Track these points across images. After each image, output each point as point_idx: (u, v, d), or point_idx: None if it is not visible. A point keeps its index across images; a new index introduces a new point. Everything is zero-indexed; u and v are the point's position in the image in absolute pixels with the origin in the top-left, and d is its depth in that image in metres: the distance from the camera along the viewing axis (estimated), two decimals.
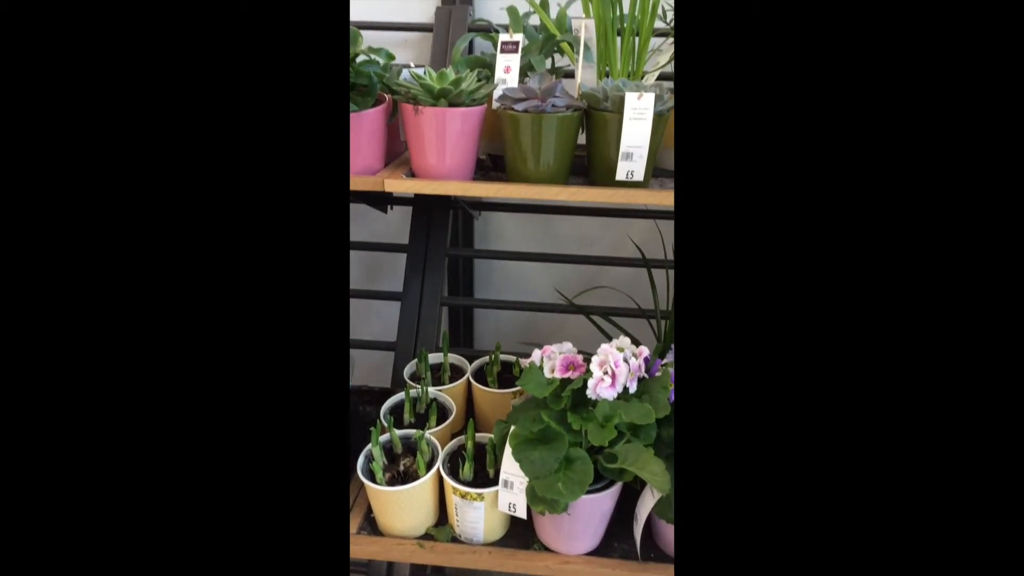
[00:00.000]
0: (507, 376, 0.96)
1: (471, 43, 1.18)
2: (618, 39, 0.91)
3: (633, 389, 0.71)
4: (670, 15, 1.02)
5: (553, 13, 0.98)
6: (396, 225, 1.33)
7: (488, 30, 1.14)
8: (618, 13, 0.90)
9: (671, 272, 1.03)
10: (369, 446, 0.78)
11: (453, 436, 0.87)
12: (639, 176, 0.84)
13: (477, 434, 0.81)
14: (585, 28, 0.90)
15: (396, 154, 1.00)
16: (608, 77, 0.91)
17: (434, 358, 1.00)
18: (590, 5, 0.91)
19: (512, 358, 0.98)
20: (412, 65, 0.92)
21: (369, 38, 1.27)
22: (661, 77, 1.06)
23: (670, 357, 0.78)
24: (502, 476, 0.73)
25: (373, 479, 0.76)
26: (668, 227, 1.18)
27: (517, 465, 0.68)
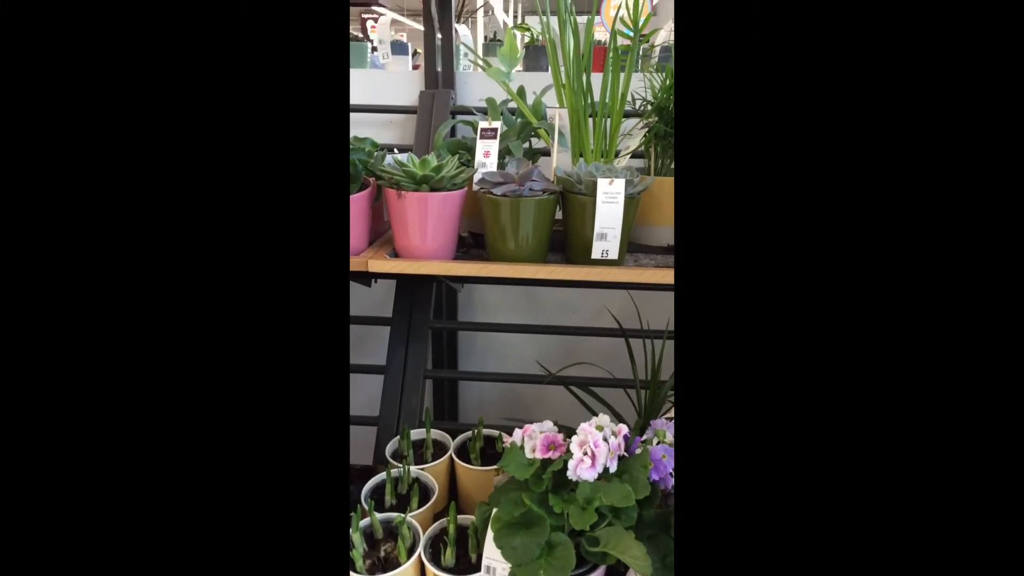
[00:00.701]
0: (490, 452, 0.96)
1: (454, 127, 1.24)
2: (591, 121, 0.96)
3: (613, 468, 0.71)
4: (639, 101, 1.09)
5: (530, 100, 1.04)
6: (380, 298, 1.35)
7: (469, 113, 1.20)
8: (589, 101, 0.96)
9: (647, 342, 1.05)
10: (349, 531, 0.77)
11: (436, 517, 0.86)
12: (613, 255, 0.87)
13: (460, 516, 0.80)
14: (559, 116, 0.96)
15: (380, 233, 1.03)
16: (582, 159, 0.96)
17: (417, 434, 0.99)
18: (563, 94, 0.97)
19: (496, 432, 0.98)
20: (395, 151, 0.97)
21: (357, 119, 1.33)
22: (634, 156, 1.11)
23: (649, 433, 0.79)
24: (484, 562, 0.72)
25: (353, 567, 0.74)
26: (641, 298, 1.21)
27: (499, 551, 0.68)
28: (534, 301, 1.44)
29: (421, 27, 1.27)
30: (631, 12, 0.93)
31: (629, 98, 0.99)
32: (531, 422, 0.78)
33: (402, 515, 0.78)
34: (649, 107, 1.01)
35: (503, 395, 1.49)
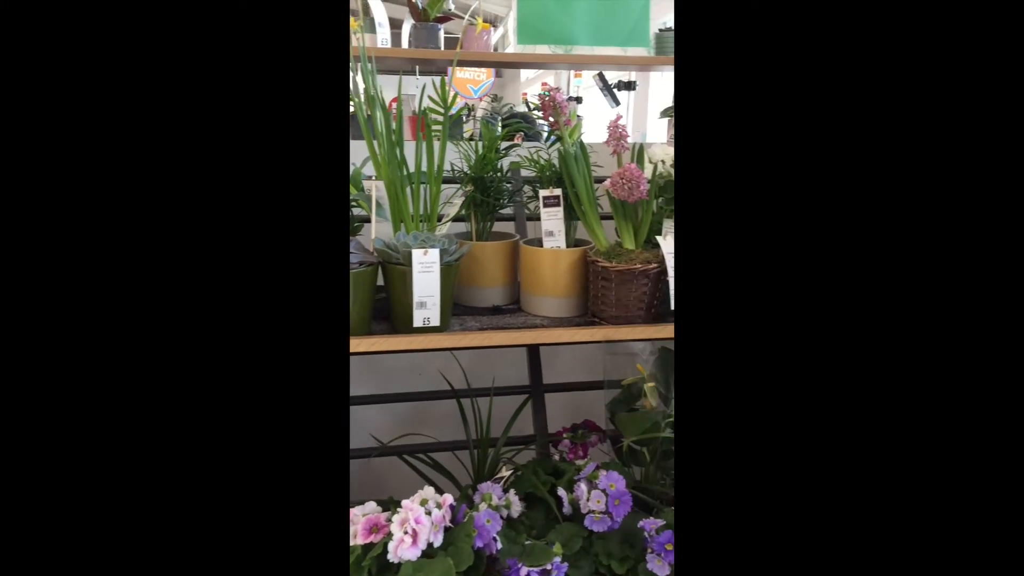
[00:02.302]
0: None
1: None
2: (409, 190, 0.99)
3: (438, 542, 0.71)
4: (457, 171, 1.14)
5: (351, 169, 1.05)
6: None
7: None
8: (406, 173, 0.99)
9: (476, 400, 1.07)
10: None
11: None
12: (435, 322, 0.89)
13: None
14: (375, 187, 0.97)
15: None
16: (403, 228, 0.98)
17: None
18: (379, 166, 0.99)
19: None
20: None
21: None
22: (460, 220, 1.16)
23: (478, 497, 0.80)
24: None
25: None
26: (465, 357, 1.23)
27: None
28: (379, 365, 1.41)
29: None
30: (439, 91, 0.99)
31: (449, 167, 1.03)
32: (383, 496, 0.75)
33: None
34: (466, 175, 1.07)
35: (355, 470, 1.42)
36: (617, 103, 2.97)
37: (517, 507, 0.79)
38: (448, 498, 0.74)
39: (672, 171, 1.02)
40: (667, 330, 0.92)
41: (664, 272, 0.91)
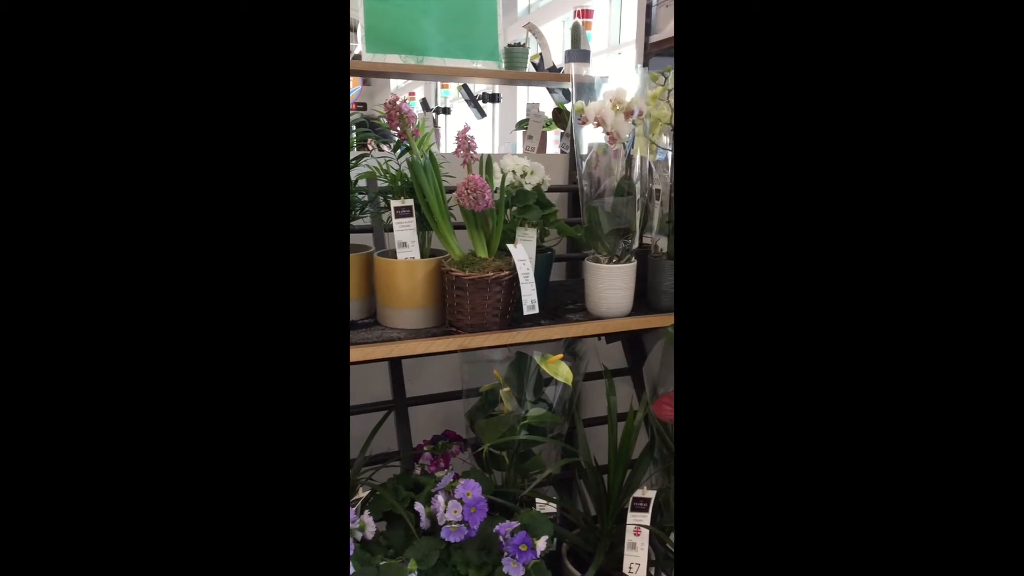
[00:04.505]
0: None
1: None
2: None
3: None
4: None
5: None
6: None
7: None
8: None
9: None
10: None
11: None
12: None
13: None
14: None
15: None
16: None
17: None
18: None
19: None
20: None
21: None
22: None
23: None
24: None
25: None
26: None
27: None
28: None
29: None
30: None
31: None
32: None
33: None
34: None
35: None
36: (483, 115, 3.03)
37: (372, 528, 0.76)
38: None
39: (523, 181, 1.05)
40: (521, 335, 0.95)
41: (516, 279, 0.93)
